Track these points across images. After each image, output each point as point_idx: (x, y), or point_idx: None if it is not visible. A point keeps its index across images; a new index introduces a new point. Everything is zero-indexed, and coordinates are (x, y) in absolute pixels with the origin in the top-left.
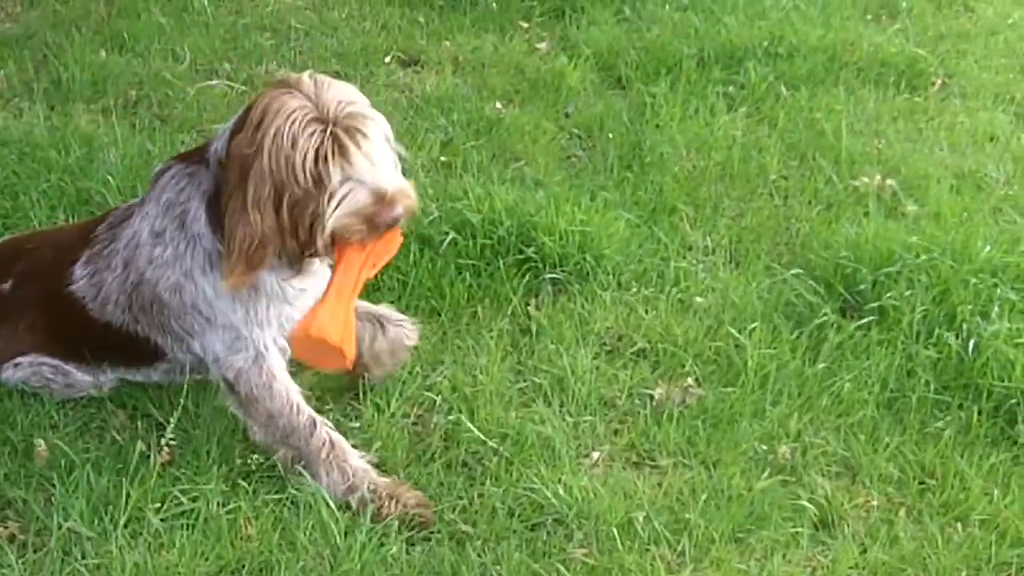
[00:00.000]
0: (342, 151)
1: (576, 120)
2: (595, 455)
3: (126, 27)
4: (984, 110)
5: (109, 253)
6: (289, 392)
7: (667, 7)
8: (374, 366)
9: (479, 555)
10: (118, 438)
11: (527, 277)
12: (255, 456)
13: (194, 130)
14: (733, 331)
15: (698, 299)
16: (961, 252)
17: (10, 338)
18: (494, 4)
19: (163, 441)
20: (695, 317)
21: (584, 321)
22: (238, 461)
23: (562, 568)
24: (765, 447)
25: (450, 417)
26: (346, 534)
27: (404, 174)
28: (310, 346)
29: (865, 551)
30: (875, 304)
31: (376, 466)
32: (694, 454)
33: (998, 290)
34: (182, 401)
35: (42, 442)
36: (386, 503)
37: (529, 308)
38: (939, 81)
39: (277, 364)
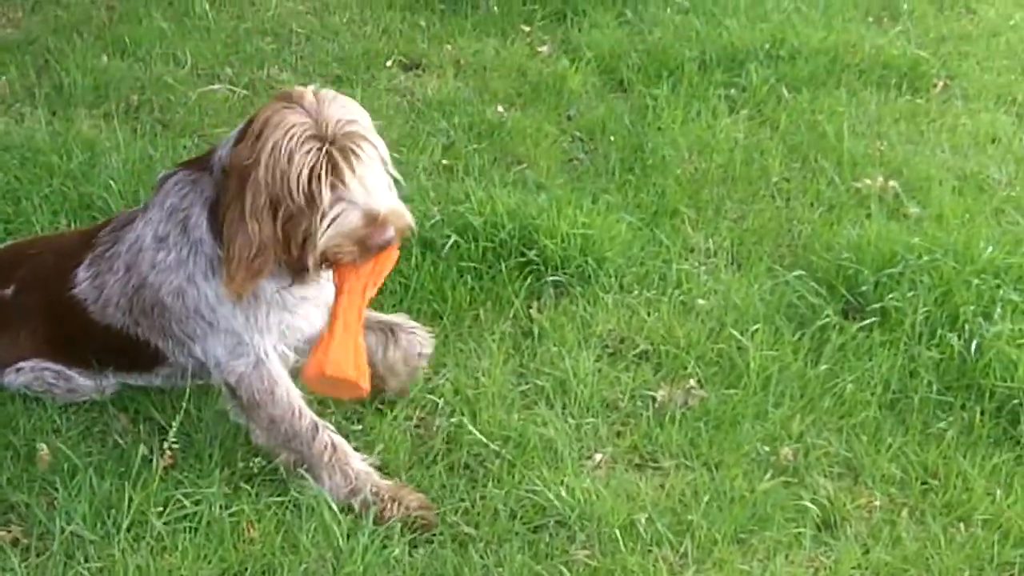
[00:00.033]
0: (336, 171)
1: (578, 123)
2: (597, 457)
3: (127, 32)
4: (986, 111)
5: (111, 256)
6: (291, 397)
7: (668, 10)
8: (389, 377)
9: (481, 557)
10: (120, 442)
11: (529, 280)
12: (257, 459)
13: (196, 134)
14: (735, 333)
15: (700, 301)
16: (963, 253)
17: (12, 344)
18: (495, 7)
19: (165, 445)
20: (697, 319)
21: (586, 323)
22: (240, 464)
23: (564, 570)
24: (767, 448)
25: (452, 420)
26: (349, 536)
27: (402, 187)
28: (328, 384)
29: (868, 552)
30: (877, 305)
31: (378, 469)
32: (696, 456)
33: (1000, 291)
34: (184, 405)
35: (44, 446)
36: (388, 506)
37: (531, 311)
38: (941, 83)
39: (278, 370)
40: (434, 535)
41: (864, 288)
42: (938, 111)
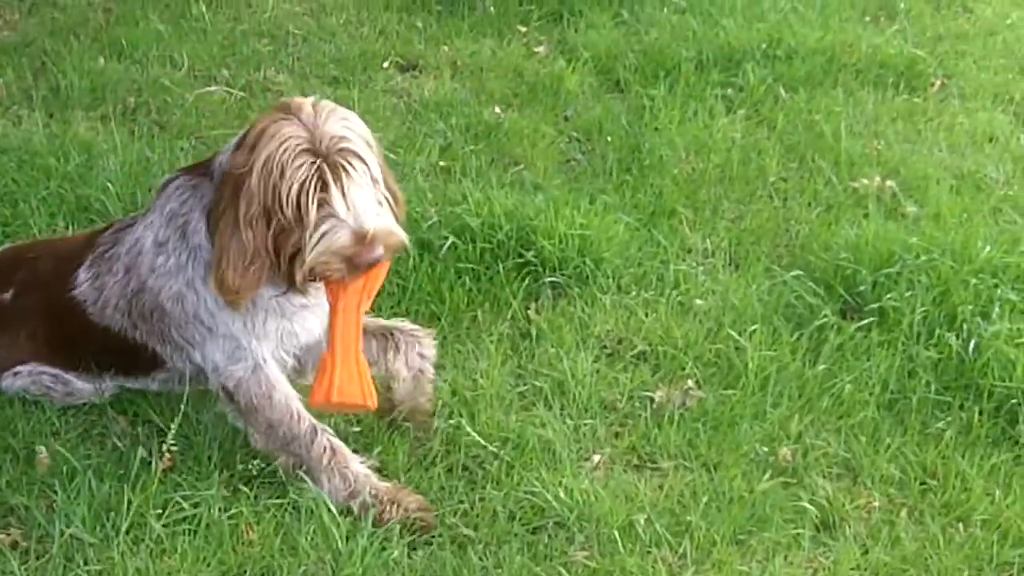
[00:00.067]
0: (326, 188)
1: (575, 124)
2: (596, 458)
3: (124, 34)
4: (983, 110)
5: (111, 257)
6: (289, 400)
7: (665, 10)
8: (393, 384)
9: (480, 559)
10: (119, 444)
11: (527, 281)
12: (256, 461)
13: (193, 136)
14: (733, 333)
15: (698, 302)
16: (961, 253)
17: (10, 347)
18: (492, 8)
19: (164, 447)
20: (695, 320)
21: (584, 324)
22: (239, 466)
23: (563, 571)
24: (766, 449)
25: (451, 421)
26: (348, 539)
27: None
28: (334, 407)
29: (867, 552)
30: (875, 305)
31: (377, 471)
32: (695, 456)
33: (998, 290)
34: (183, 407)
35: (43, 449)
36: (387, 508)
37: (529, 312)
38: (938, 82)
39: (276, 375)
40: (433, 537)
41: (862, 288)
42: (935, 110)
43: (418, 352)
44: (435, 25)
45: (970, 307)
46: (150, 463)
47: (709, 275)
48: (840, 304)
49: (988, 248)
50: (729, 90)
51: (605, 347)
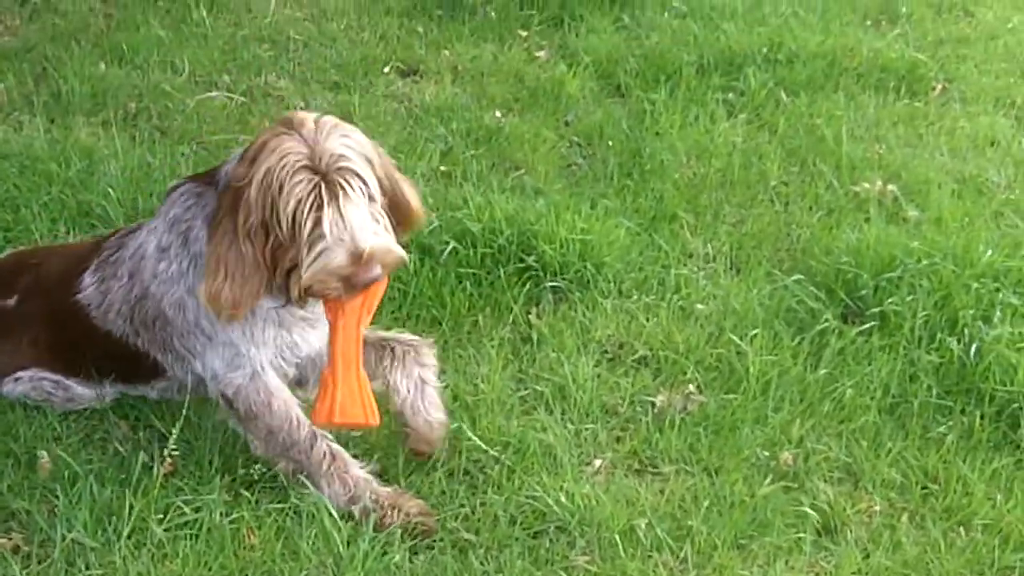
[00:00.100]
0: (324, 206)
1: (576, 128)
2: (597, 462)
3: (125, 40)
4: (985, 114)
5: (116, 261)
6: (288, 407)
7: (666, 14)
8: (394, 395)
9: (482, 563)
10: (121, 449)
11: (528, 286)
12: (257, 466)
13: (194, 142)
14: (734, 338)
15: (699, 306)
16: (963, 257)
17: (13, 352)
18: (493, 13)
19: (166, 452)
20: (696, 324)
21: (585, 329)
22: (240, 471)
23: None
24: (767, 453)
25: (452, 426)
26: (349, 543)
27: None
28: (337, 426)
29: (868, 556)
30: (876, 310)
31: (378, 476)
32: (696, 461)
33: (1000, 294)
34: (184, 412)
35: (45, 454)
36: (388, 513)
37: (530, 316)
38: (939, 86)
39: (275, 382)
40: (434, 541)
41: (863, 292)
42: (937, 114)
43: (417, 362)
44: (436, 30)
45: (971, 311)
46: (151, 468)
47: (710, 279)
48: (841, 308)
49: (989, 252)
50: (730, 94)
51: (606, 352)
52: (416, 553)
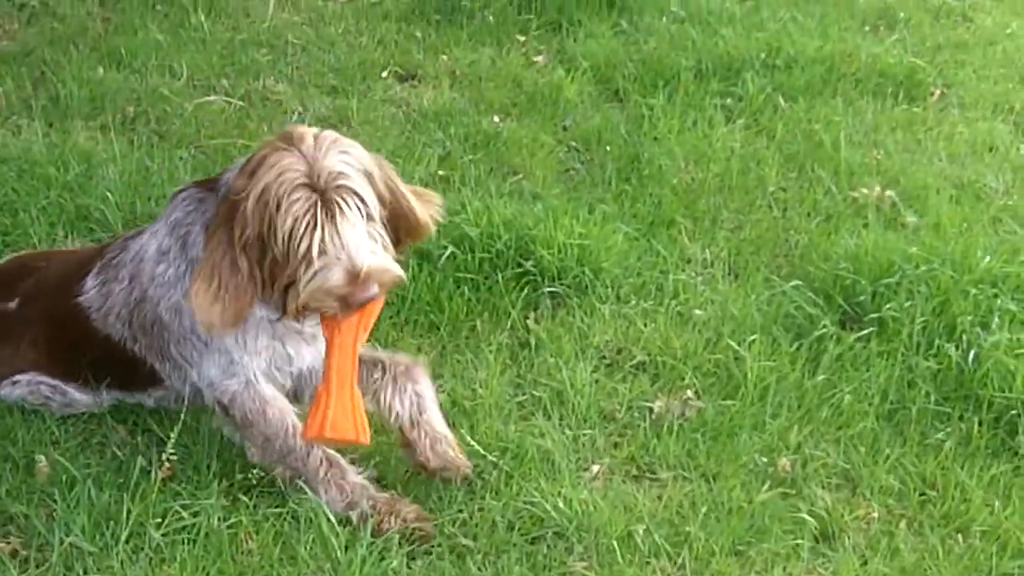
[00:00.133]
0: (322, 225)
1: (574, 133)
2: (595, 468)
3: (123, 44)
4: (983, 120)
5: (118, 264)
6: (284, 415)
7: (664, 19)
8: (390, 416)
9: (479, 569)
10: (119, 453)
11: (526, 291)
12: (255, 471)
13: (192, 146)
14: (732, 343)
15: (697, 312)
16: (961, 263)
17: (12, 356)
18: (491, 18)
19: (164, 456)
20: (694, 330)
21: (583, 334)
22: (238, 476)
23: None
24: (765, 459)
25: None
26: (347, 548)
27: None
28: (327, 441)
29: (866, 563)
30: (875, 315)
31: (375, 481)
32: (694, 467)
33: (998, 300)
34: (182, 416)
35: (43, 458)
36: (385, 518)
37: (528, 322)
38: (938, 91)
39: (269, 391)
40: (432, 547)
41: (861, 298)
42: (935, 120)
43: (410, 380)
44: (434, 35)
45: (970, 317)
46: (149, 472)
47: (708, 285)
48: (839, 314)
49: (988, 258)
50: (728, 99)
51: (604, 357)
52: (414, 558)
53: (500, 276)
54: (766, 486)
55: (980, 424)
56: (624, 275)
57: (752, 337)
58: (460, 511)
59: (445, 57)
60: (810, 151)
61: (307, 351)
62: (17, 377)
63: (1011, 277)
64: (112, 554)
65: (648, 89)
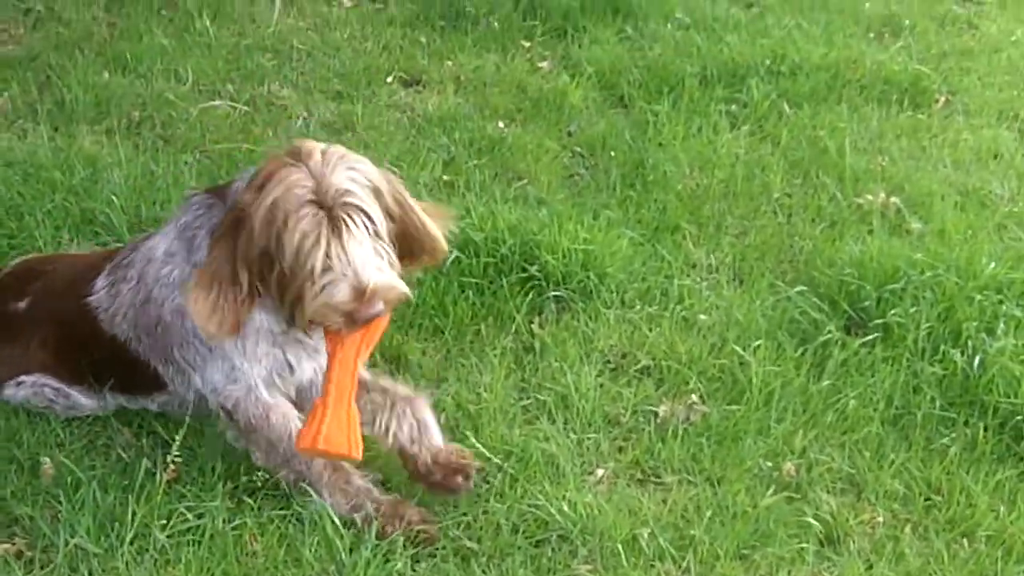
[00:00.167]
0: (329, 242)
1: (578, 139)
2: (599, 472)
3: (128, 48)
4: (988, 127)
5: (128, 264)
6: (288, 420)
7: (669, 26)
8: (391, 443)
9: (484, 571)
10: (124, 455)
11: (530, 295)
12: (260, 473)
13: (197, 150)
14: (737, 348)
15: (702, 317)
16: (966, 269)
17: (21, 356)
18: (496, 23)
19: (169, 458)
20: (699, 335)
21: (588, 339)
22: (243, 478)
23: None
24: (770, 464)
25: (454, 434)
26: (351, 551)
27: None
28: (319, 454)
29: (871, 567)
30: (880, 321)
31: (380, 483)
32: (699, 471)
33: (1003, 306)
34: (187, 419)
35: (48, 460)
36: (390, 521)
37: (533, 326)
38: (942, 98)
39: (271, 397)
40: (436, 549)
41: (866, 304)
42: (940, 127)
43: (411, 410)
44: (439, 40)
45: (975, 323)
46: (154, 474)
47: (713, 290)
48: (844, 320)
49: (993, 264)
50: (733, 106)
51: (609, 361)
52: (418, 561)
53: (505, 281)
54: (771, 490)
55: (985, 429)
56: (629, 280)
57: (757, 342)
58: (465, 514)
59: (450, 63)
60: (815, 157)
61: (307, 363)
62: (22, 378)
63: (1016, 283)
64: (117, 556)
65: (653, 95)
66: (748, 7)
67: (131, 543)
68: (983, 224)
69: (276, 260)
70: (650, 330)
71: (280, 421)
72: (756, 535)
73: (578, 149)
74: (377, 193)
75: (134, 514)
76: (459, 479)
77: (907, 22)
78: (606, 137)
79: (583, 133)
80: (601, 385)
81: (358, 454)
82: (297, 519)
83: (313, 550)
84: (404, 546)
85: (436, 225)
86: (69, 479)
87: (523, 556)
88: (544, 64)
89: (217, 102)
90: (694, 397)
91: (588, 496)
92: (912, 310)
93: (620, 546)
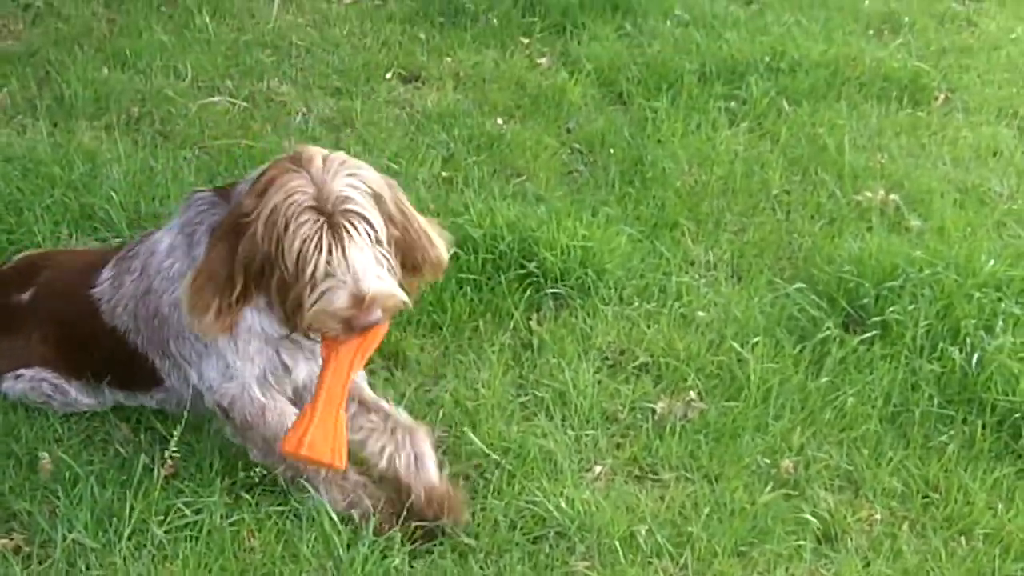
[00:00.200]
0: (329, 248)
1: (577, 135)
2: (597, 469)
3: (128, 44)
4: (987, 124)
5: (132, 256)
6: (283, 417)
7: (668, 22)
8: (403, 471)
9: (482, 568)
10: (122, 451)
11: (529, 292)
12: (257, 469)
13: (196, 146)
14: (735, 345)
15: (700, 314)
16: (965, 266)
17: (23, 348)
18: (495, 20)
19: (166, 454)
20: (697, 331)
21: (586, 335)
22: (241, 474)
23: None
24: (768, 461)
25: (452, 431)
26: (349, 546)
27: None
28: (302, 459)
29: (868, 565)
30: (878, 318)
31: (379, 480)
32: (696, 468)
33: (1002, 304)
34: (185, 415)
35: (46, 455)
36: (387, 517)
37: (531, 323)
38: (942, 96)
39: (267, 395)
40: (434, 546)
41: (865, 301)
42: (939, 124)
43: (411, 445)
44: (438, 36)
45: (973, 321)
46: (152, 470)
47: (711, 287)
48: (843, 317)
49: (992, 262)
50: (732, 103)
51: (607, 358)
52: (416, 557)
53: (503, 277)
54: (769, 487)
55: (983, 427)
56: (627, 277)
57: (755, 339)
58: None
59: (449, 59)
60: (814, 154)
61: (303, 365)
62: (21, 371)
63: (1015, 281)
64: (115, 551)
65: (652, 92)
66: (747, 4)
67: (129, 538)
68: (982, 221)
69: (276, 265)
70: (648, 327)
71: (276, 419)
72: (754, 532)
73: (577, 146)
74: (378, 199)
75: (132, 509)
76: (447, 520)
77: (906, 19)
78: (605, 134)
79: (582, 130)
80: (599, 382)
81: (341, 463)
82: (295, 515)
83: (311, 546)
84: (402, 542)
85: (437, 234)
86: (67, 474)
87: (521, 553)
88: (543, 61)
89: (216, 98)
90: (692, 394)
91: (586, 493)
92: (911, 307)
93: (618, 543)
